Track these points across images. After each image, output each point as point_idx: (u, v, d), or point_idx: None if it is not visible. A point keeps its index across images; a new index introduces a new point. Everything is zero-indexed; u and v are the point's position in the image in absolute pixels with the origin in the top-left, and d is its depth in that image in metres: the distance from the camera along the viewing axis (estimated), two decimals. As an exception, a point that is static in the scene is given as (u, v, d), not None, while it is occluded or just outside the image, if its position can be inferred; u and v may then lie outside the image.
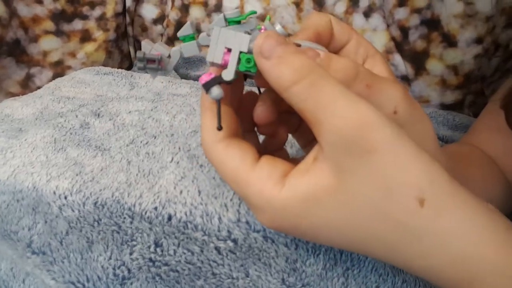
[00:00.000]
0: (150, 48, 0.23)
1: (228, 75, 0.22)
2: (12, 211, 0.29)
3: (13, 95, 0.51)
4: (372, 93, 0.22)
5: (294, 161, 0.23)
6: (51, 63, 0.52)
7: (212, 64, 0.22)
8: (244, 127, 0.25)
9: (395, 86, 0.23)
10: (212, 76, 0.22)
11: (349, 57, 0.25)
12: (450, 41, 0.49)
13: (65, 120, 0.36)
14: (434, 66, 0.50)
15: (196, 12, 0.55)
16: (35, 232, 0.29)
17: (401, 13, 0.49)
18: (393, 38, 0.51)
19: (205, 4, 0.55)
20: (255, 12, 0.23)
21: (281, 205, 0.20)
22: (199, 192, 0.27)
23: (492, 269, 0.20)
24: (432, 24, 0.49)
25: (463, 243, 0.20)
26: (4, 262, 0.30)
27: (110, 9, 0.55)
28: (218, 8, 0.55)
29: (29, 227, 0.29)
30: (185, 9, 0.56)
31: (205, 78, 0.22)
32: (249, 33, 0.22)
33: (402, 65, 0.51)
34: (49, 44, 0.52)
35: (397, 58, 0.51)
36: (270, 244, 0.25)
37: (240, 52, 0.21)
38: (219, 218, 0.26)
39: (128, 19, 0.58)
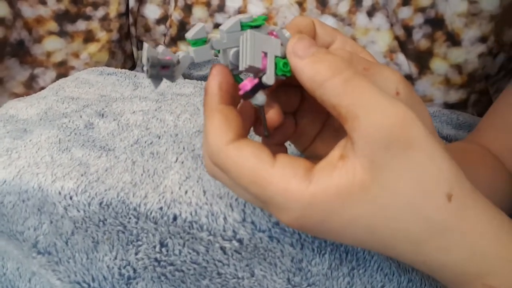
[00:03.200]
0: (157, 53, 0.21)
1: (270, 79, 0.21)
2: (17, 211, 0.29)
3: (17, 95, 0.51)
4: (371, 74, 0.22)
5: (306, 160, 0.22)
6: (54, 63, 0.52)
7: (251, 68, 0.21)
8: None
9: (391, 69, 0.24)
10: (256, 81, 0.21)
11: None
12: (454, 40, 0.48)
13: (69, 121, 0.36)
14: (438, 65, 0.50)
15: (199, 13, 0.56)
16: (41, 232, 0.29)
17: (405, 12, 0.49)
18: (396, 38, 0.51)
19: (208, 4, 0.55)
20: (266, 18, 0.23)
21: (310, 201, 0.20)
22: (204, 192, 0.27)
23: (504, 264, 0.21)
24: (436, 23, 0.49)
25: (481, 239, 0.20)
26: (11, 262, 0.30)
27: (113, 9, 0.55)
28: (221, 8, 0.55)
29: (35, 227, 0.29)
30: (188, 9, 0.56)
31: (249, 84, 0.21)
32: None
33: (406, 65, 0.51)
34: (53, 45, 0.52)
35: (401, 58, 0.51)
36: (275, 244, 0.25)
37: (276, 56, 0.22)
38: (225, 218, 0.26)
39: (131, 19, 0.58)
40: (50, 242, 0.29)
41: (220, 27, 0.22)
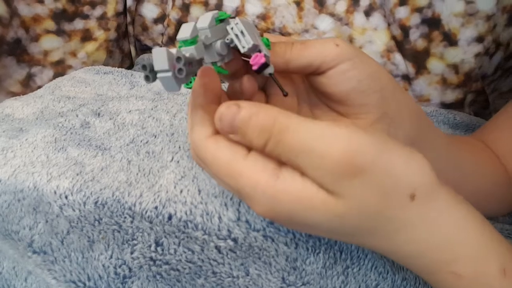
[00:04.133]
0: (171, 55, 0.22)
1: (267, 52, 0.25)
2: (13, 210, 0.29)
3: (14, 94, 0.51)
4: (307, 46, 0.25)
5: None
6: (52, 62, 0.52)
7: (254, 46, 0.24)
8: None
9: (327, 37, 0.26)
10: (263, 56, 0.24)
11: None
12: (450, 40, 0.49)
13: (65, 120, 0.36)
14: (435, 65, 0.50)
15: (196, 12, 0.56)
16: (36, 231, 0.29)
17: (402, 12, 0.49)
18: (393, 37, 0.51)
19: (206, 4, 0.55)
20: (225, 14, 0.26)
21: (275, 196, 0.21)
22: (199, 191, 0.27)
23: (468, 250, 0.22)
24: (433, 23, 0.49)
25: (445, 228, 0.22)
26: (7, 261, 0.30)
27: (111, 8, 0.55)
28: (219, 7, 0.55)
29: (30, 226, 0.29)
30: (185, 8, 0.56)
31: (261, 59, 0.24)
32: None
33: (403, 64, 0.51)
34: (50, 44, 0.52)
35: (398, 57, 0.51)
36: (270, 243, 0.25)
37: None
38: (219, 217, 0.26)
39: (129, 18, 0.58)
40: (46, 241, 0.29)
41: (199, 25, 0.24)
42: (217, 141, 0.22)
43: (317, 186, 0.21)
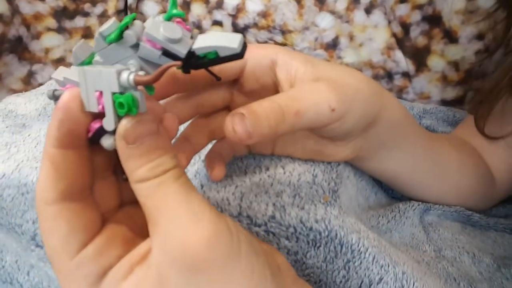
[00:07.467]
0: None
1: (109, 124, 0.18)
2: (16, 204, 0.29)
3: (15, 91, 0.51)
4: (302, 114, 0.22)
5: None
6: (53, 60, 0.53)
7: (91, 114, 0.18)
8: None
9: (320, 89, 0.23)
10: (98, 125, 0.18)
11: (255, 75, 0.26)
12: (451, 37, 0.49)
13: (68, 116, 0.36)
14: (435, 62, 0.50)
15: (197, 9, 0.56)
16: (39, 225, 0.29)
17: (402, 9, 0.50)
18: (394, 35, 0.51)
19: (206, 1, 0.55)
20: (133, 16, 0.19)
21: None
22: (201, 185, 0.27)
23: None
24: (433, 20, 0.49)
25: None
26: (9, 255, 0.30)
27: (111, 6, 0.55)
28: (219, 5, 0.55)
29: (34, 220, 0.29)
30: (186, 6, 0.56)
31: (93, 127, 0.18)
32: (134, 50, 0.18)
33: (403, 62, 0.52)
34: (51, 41, 0.52)
35: (398, 55, 0.51)
36: (271, 238, 0.26)
37: (113, 93, 0.17)
38: (221, 212, 0.26)
39: (129, 16, 0.58)
40: (49, 235, 0.29)
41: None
42: (57, 214, 0.18)
43: (143, 285, 0.18)
